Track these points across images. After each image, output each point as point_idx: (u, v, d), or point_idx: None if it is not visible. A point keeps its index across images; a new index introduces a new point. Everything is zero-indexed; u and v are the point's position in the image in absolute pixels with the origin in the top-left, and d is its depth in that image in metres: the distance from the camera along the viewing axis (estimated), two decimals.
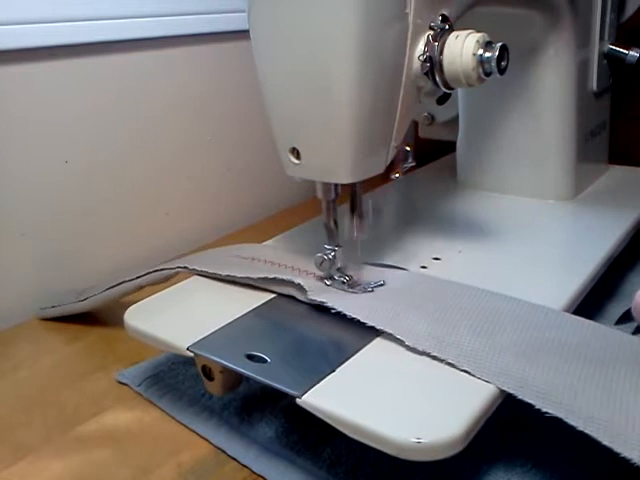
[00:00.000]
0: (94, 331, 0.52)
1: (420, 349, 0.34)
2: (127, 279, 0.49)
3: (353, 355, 0.34)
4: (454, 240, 0.50)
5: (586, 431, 0.28)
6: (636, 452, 0.27)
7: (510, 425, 0.31)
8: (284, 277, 0.41)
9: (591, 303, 0.44)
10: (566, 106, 0.56)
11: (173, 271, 0.47)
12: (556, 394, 0.30)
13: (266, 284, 0.42)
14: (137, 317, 0.40)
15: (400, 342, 0.34)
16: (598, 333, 0.35)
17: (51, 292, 0.58)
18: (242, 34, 0.40)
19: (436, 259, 0.47)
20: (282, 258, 0.45)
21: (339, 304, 0.38)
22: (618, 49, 0.60)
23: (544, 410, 0.29)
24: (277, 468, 0.35)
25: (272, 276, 0.41)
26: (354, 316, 0.37)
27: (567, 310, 0.39)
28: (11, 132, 0.55)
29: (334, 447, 0.36)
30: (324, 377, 0.32)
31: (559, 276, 0.44)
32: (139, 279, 0.48)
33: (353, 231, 0.41)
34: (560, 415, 0.29)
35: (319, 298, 0.39)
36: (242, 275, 0.43)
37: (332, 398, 0.31)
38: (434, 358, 0.33)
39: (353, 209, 0.41)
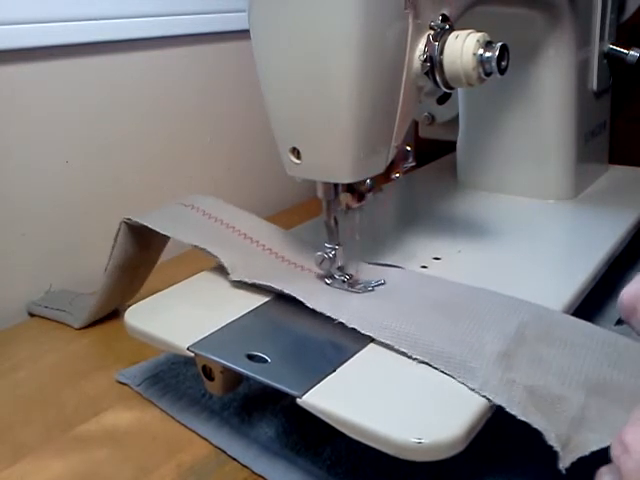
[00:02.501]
0: (94, 331, 0.52)
1: (318, 310, 0.37)
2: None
3: (353, 355, 0.34)
4: (454, 240, 0.50)
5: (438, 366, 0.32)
6: (478, 382, 0.30)
7: (510, 425, 0.31)
8: (211, 250, 0.43)
9: (591, 303, 0.44)
10: (566, 106, 0.56)
11: (120, 231, 0.47)
12: (422, 342, 0.34)
13: (201, 250, 0.44)
14: (137, 317, 0.40)
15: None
16: (474, 294, 0.39)
17: (51, 292, 0.58)
18: (242, 34, 0.40)
19: (436, 259, 0.47)
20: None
21: (274, 283, 0.40)
22: (618, 49, 0.60)
23: (437, 366, 0.32)
24: (277, 468, 0.35)
25: (202, 246, 0.43)
26: (288, 292, 0.39)
27: (567, 310, 0.39)
28: (11, 132, 0.55)
29: (334, 447, 0.36)
30: (324, 377, 0.32)
31: (559, 276, 0.44)
32: (109, 265, 0.48)
33: (351, 230, 0.41)
34: (425, 359, 0.33)
35: (240, 278, 0.41)
36: (179, 237, 0.44)
37: (332, 398, 0.31)
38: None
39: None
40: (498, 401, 0.30)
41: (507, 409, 0.29)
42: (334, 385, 0.32)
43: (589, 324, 0.36)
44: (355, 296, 0.40)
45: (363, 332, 0.35)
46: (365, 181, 0.40)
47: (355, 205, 0.40)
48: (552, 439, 0.28)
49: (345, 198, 0.40)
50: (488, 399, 0.30)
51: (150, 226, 0.45)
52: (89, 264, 0.61)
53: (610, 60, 0.60)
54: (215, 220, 0.47)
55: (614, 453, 0.25)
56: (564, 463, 0.28)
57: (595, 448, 0.28)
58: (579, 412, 0.29)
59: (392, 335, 0.34)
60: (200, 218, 0.47)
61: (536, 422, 0.29)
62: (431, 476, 0.34)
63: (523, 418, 0.29)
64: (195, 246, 0.44)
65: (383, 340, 0.34)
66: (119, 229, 0.47)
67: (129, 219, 0.46)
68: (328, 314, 0.37)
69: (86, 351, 0.50)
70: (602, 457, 0.27)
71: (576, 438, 0.28)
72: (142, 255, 0.49)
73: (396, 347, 0.34)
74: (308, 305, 0.38)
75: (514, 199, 0.59)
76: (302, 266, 0.44)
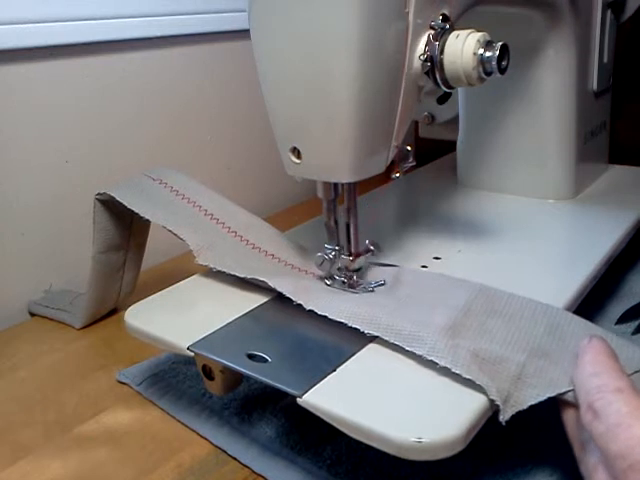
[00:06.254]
0: (94, 331, 0.52)
1: (277, 288, 0.39)
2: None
3: (354, 355, 0.34)
4: (454, 240, 0.50)
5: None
6: (425, 348, 0.32)
7: (510, 425, 0.31)
8: (178, 233, 0.43)
9: (591, 303, 0.44)
10: (566, 106, 0.56)
11: (95, 209, 0.47)
12: (376, 319, 0.35)
13: (169, 231, 0.44)
14: (137, 316, 0.40)
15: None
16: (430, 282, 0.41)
17: (51, 292, 0.58)
18: (242, 33, 0.40)
19: (436, 258, 0.47)
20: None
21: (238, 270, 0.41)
22: None
23: (387, 339, 0.34)
24: (277, 468, 0.36)
25: (170, 227, 0.44)
26: (265, 280, 0.40)
27: (567, 310, 0.39)
28: (11, 132, 0.55)
29: (335, 447, 0.36)
30: (325, 377, 0.32)
31: (559, 276, 0.44)
32: (93, 250, 0.48)
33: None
34: (377, 333, 0.34)
35: (207, 263, 0.42)
36: (147, 216, 0.44)
37: (333, 398, 0.31)
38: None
39: (349, 210, 0.41)
40: (443, 363, 0.31)
41: (452, 369, 0.31)
42: (334, 385, 0.32)
43: (535, 300, 0.37)
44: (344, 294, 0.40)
45: (331, 317, 0.36)
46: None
47: (353, 267, 0.41)
48: (494, 394, 0.29)
49: (345, 261, 0.41)
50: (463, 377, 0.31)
51: (118, 198, 0.45)
52: (88, 265, 0.61)
53: (614, 8, 0.59)
54: (182, 198, 0.47)
55: (585, 420, 0.27)
56: (504, 416, 0.30)
57: (533, 402, 0.30)
58: (518, 370, 0.31)
59: (349, 315, 0.36)
60: (168, 195, 0.47)
61: (479, 379, 0.30)
62: (431, 476, 0.34)
63: (467, 376, 0.30)
64: (163, 227, 0.44)
65: (339, 319, 0.36)
66: (94, 208, 0.47)
67: (100, 194, 0.46)
68: (286, 293, 0.38)
69: (86, 351, 0.50)
70: None
71: (516, 394, 0.30)
72: (124, 235, 0.49)
73: (350, 324, 0.35)
74: (274, 287, 0.39)
75: (514, 199, 0.59)
76: (273, 254, 0.45)
